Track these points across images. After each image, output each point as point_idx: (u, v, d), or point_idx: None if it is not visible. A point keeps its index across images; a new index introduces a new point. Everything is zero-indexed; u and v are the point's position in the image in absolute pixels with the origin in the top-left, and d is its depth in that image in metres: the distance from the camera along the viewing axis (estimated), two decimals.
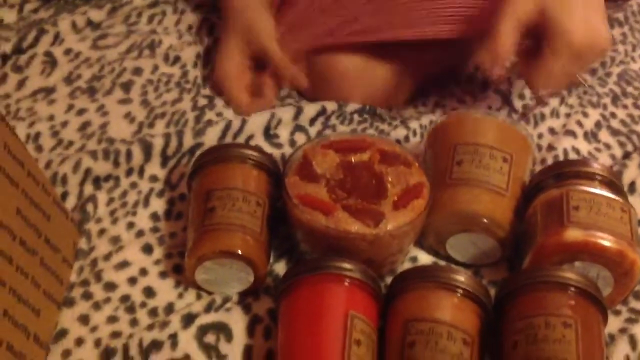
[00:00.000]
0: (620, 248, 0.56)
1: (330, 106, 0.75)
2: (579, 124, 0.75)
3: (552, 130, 0.75)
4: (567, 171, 0.62)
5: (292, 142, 0.73)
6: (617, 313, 0.60)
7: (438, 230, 0.63)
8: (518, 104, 0.77)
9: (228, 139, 0.71)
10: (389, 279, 0.60)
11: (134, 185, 0.67)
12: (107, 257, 0.61)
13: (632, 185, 0.69)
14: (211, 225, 0.58)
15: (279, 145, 0.72)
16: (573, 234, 0.57)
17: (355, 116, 0.76)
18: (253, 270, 0.59)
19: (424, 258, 0.65)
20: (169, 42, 0.82)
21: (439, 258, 0.65)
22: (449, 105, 0.79)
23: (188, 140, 0.70)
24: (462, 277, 0.55)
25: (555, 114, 0.77)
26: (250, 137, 0.72)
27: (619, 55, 0.81)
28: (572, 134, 0.74)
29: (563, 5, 0.53)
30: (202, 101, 0.76)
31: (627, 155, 0.73)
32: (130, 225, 0.64)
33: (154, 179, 0.68)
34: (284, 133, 0.73)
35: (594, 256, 0.56)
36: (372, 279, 0.56)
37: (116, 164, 0.68)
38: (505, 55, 0.57)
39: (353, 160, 0.62)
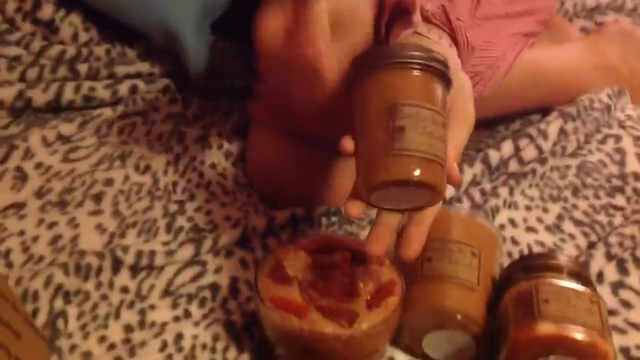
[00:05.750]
0: (591, 340, 0.56)
1: (299, 212, 0.76)
2: (539, 220, 0.78)
3: (512, 222, 0.77)
4: (535, 264, 0.63)
5: (265, 246, 0.73)
6: None
7: (413, 328, 0.63)
8: (474, 190, 0.79)
9: (203, 252, 0.71)
10: None
11: (104, 297, 0.67)
12: None
13: (600, 275, 0.70)
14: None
15: (251, 249, 0.73)
16: (544, 328, 0.57)
17: (324, 219, 0.77)
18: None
19: (401, 358, 0.64)
20: (139, 152, 0.83)
21: (416, 357, 0.64)
22: None
23: (159, 259, 0.70)
24: None
25: (511, 205, 0.79)
26: (224, 245, 0.72)
27: (570, 145, 0.84)
28: (533, 230, 0.77)
29: (468, 99, 0.59)
30: (173, 207, 0.77)
31: (592, 245, 0.74)
32: (102, 339, 0.63)
33: (124, 290, 0.68)
34: (256, 239, 0.74)
35: (566, 349, 0.56)
36: None
37: (86, 277, 0.67)
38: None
39: (324, 261, 0.62)
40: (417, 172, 0.52)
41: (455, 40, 0.63)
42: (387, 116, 0.53)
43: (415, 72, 0.54)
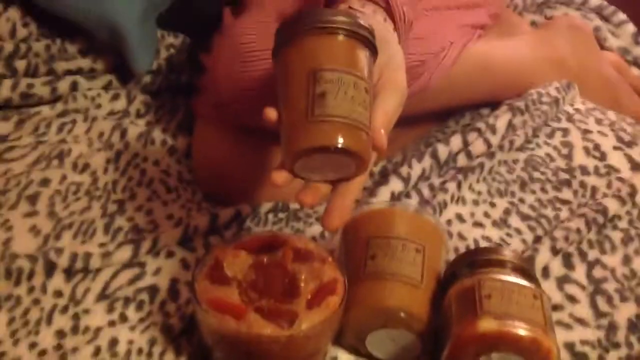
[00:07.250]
0: (534, 336, 0.55)
1: (245, 209, 0.74)
2: (486, 215, 0.77)
3: (460, 217, 0.76)
4: (478, 259, 0.63)
5: (207, 246, 0.71)
6: None
7: (356, 327, 0.62)
8: (422, 186, 0.78)
9: (142, 253, 0.69)
10: None
11: (36, 302, 0.64)
12: None
13: (545, 269, 0.70)
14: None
15: (193, 249, 0.71)
16: (486, 324, 0.56)
17: (270, 216, 0.75)
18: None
19: (344, 358, 0.63)
20: (78, 150, 0.81)
21: (360, 357, 0.63)
22: (360, 199, 0.79)
23: (95, 261, 0.68)
24: None
25: (459, 200, 0.78)
26: (165, 245, 0.70)
27: (518, 139, 0.83)
28: (480, 225, 0.76)
29: (398, 68, 0.58)
30: (112, 207, 0.75)
31: (538, 240, 0.74)
32: (33, 345, 0.61)
33: (57, 294, 0.65)
34: (198, 238, 0.72)
35: (509, 346, 0.56)
36: None
37: (17, 282, 0.65)
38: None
39: (265, 260, 0.61)
40: (338, 138, 0.50)
41: (391, 15, 0.62)
42: (309, 82, 0.52)
43: (338, 37, 0.54)
